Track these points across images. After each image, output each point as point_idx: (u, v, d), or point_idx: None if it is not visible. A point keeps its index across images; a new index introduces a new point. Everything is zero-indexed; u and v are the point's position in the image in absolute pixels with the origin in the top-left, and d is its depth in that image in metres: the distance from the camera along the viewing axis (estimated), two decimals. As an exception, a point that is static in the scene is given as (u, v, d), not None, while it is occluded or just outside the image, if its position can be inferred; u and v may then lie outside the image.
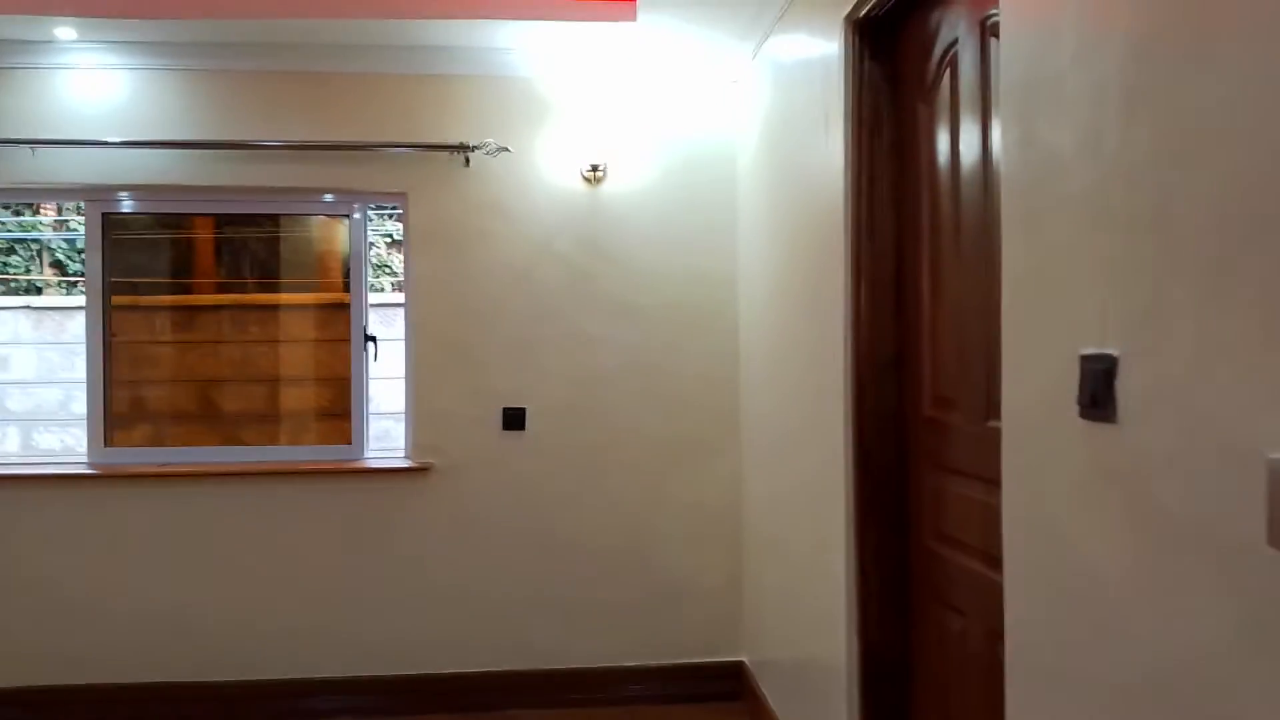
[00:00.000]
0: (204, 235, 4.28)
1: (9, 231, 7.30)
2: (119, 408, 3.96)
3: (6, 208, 4.96)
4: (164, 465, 3.84)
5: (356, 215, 4.00)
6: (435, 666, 3.91)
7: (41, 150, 3.68)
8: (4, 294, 7.57)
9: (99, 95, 3.74)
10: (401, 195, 3.93)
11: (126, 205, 3.91)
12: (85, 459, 3.90)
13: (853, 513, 2.70)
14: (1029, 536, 1.70)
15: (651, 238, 3.96)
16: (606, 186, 3.93)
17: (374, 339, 4.02)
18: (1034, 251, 1.67)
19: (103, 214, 3.89)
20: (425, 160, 3.86)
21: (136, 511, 3.80)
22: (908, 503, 2.64)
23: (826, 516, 2.86)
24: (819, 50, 2.90)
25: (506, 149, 3.84)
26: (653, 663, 3.99)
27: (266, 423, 4.12)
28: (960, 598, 2.32)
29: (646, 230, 3.96)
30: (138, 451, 3.92)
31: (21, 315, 5.73)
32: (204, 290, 4.32)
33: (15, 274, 6.88)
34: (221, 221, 4.22)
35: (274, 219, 4.21)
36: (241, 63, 3.76)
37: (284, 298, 4.23)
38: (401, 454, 4.00)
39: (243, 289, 4.33)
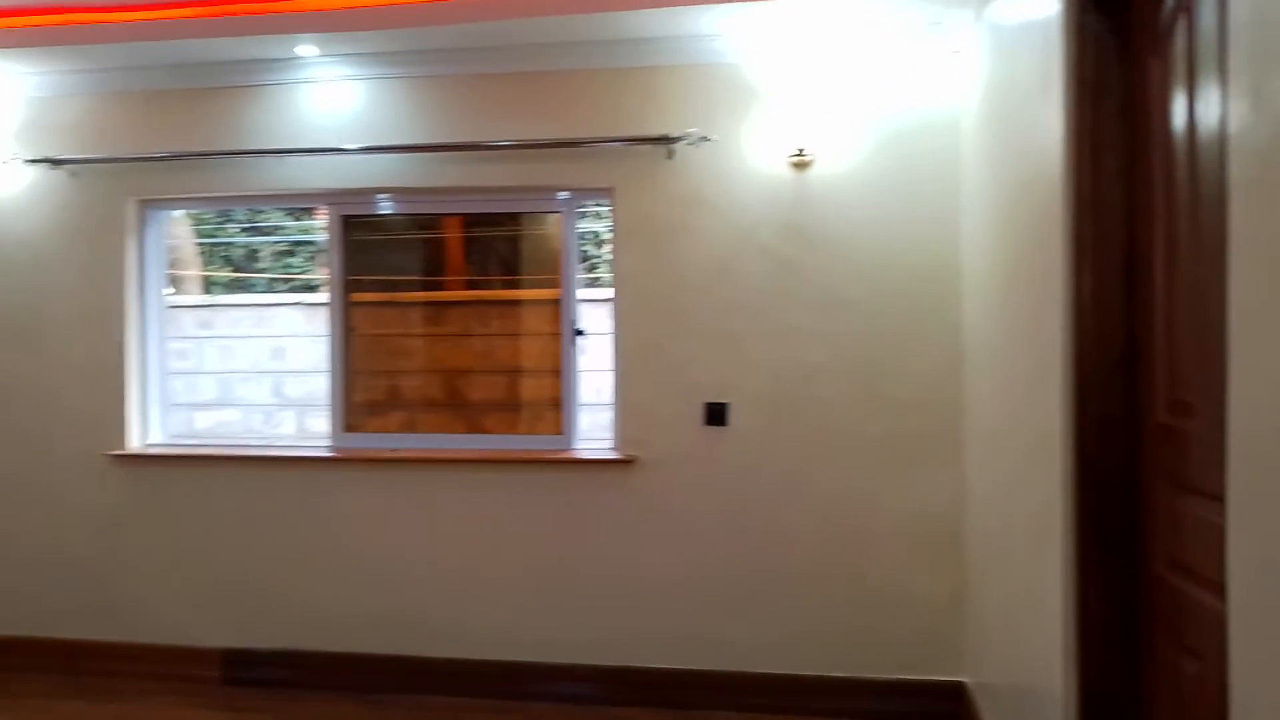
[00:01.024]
0: (453, 235, 4.52)
1: (290, 235, 8.13)
2: (375, 396, 4.26)
3: (260, 213, 5.50)
4: (393, 451, 4.08)
5: (566, 211, 4.06)
6: (632, 659, 3.90)
7: (288, 159, 4.03)
8: (286, 291, 8.45)
9: (337, 106, 4.03)
10: (609, 190, 3.93)
11: (363, 208, 4.18)
12: (329, 443, 4.23)
13: (1073, 533, 2.37)
14: (1262, 567, 1.39)
15: (862, 224, 3.72)
16: (814, 172, 3.73)
17: (582, 332, 4.06)
18: (1268, 226, 1.35)
19: (341, 216, 4.19)
20: (630, 154, 3.84)
21: (368, 493, 4.07)
22: (1139, 525, 2.28)
23: (1044, 534, 2.54)
24: (1039, 6, 2.57)
25: (709, 138, 3.75)
26: (863, 675, 3.76)
27: (504, 411, 4.28)
28: (1196, 638, 1.96)
29: (857, 216, 3.72)
30: (369, 437, 4.21)
31: (298, 311, 6.38)
32: (454, 286, 4.57)
33: (294, 273, 7.67)
34: (470, 221, 4.43)
35: (515, 218, 4.36)
36: (459, 68, 3.92)
37: (506, 294, 4.40)
38: (608, 446, 4.02)
39: (487, 285, 4.54)
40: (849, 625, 3.78)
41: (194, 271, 8.41)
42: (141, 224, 4.28)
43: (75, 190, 4.20)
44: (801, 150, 3.69)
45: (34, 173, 4.20)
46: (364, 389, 4.32)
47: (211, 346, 7.44)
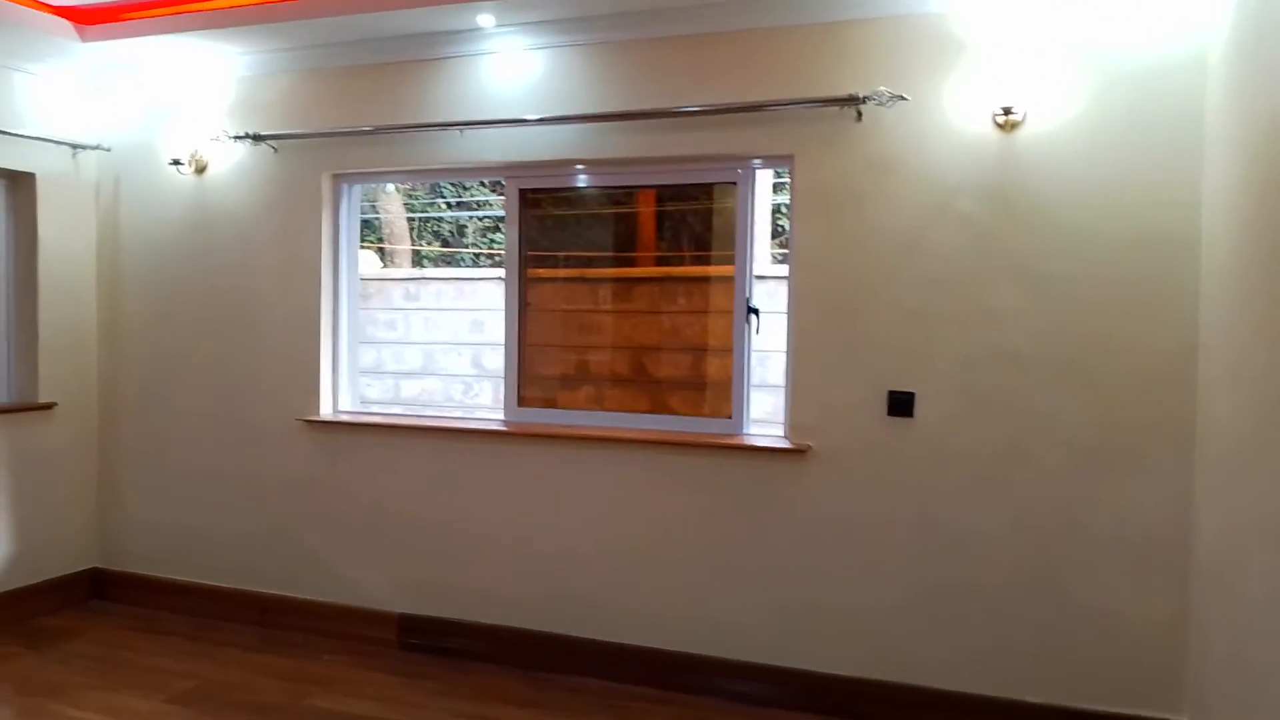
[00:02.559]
0: (645, 209, 4.39)
1: (495, 210, 8.30)
2: (558, 370, 4.20)
3: (466, 188, 5.58)
4: (564, 426, 4.01)
5: (742, 180, 3.81)
6: (800, 661, 3.65)
7: (468, 131, 4.01)
8: (489, 265, 8.66)
9: (515, 77, 3.98)
10: (788, 157, 3.66)
11: (540, 181, 4.12)
12: (503, 418, 4.23)
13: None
14: None
15: (1077, 191, 3.24)
16: (1023, 132, 3.29)
17: (756, 311, 3.82)
18: None
19: (519, 190, 4.14)
20: (813, 117, 3.55)
21: (538, 469, 4.03)
22: None
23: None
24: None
25: (903, 97, 3.39)
26: (1063, 704, 3.32)
27: (686, 390, 4.11)
28: None
29: (1071, 182, 3.25)
30: (541, 412, 4.16)
31: (496, 285, 6.50)
32: (645, 262, 4.45)
33: (497, 248, 7.84)
34: (662, 195, 4.28)
35: (708, 191, 4.16)
36: (635, 32, 3.75)
37: (690, 270, 4.21)
38: (780, 433, 3.76)
39: (679, 261, 4.38)
40: (1048, 646, 3.35)
41: (405, 245, 8.83)
42: (336, 197, 4.42)
43: (277, 165, 4.40)
44: (1009, 108, 3.26)
45: (241, 149, 4.43)
46: (545, 363, 4.27)
47: (417, 318, 7.76)
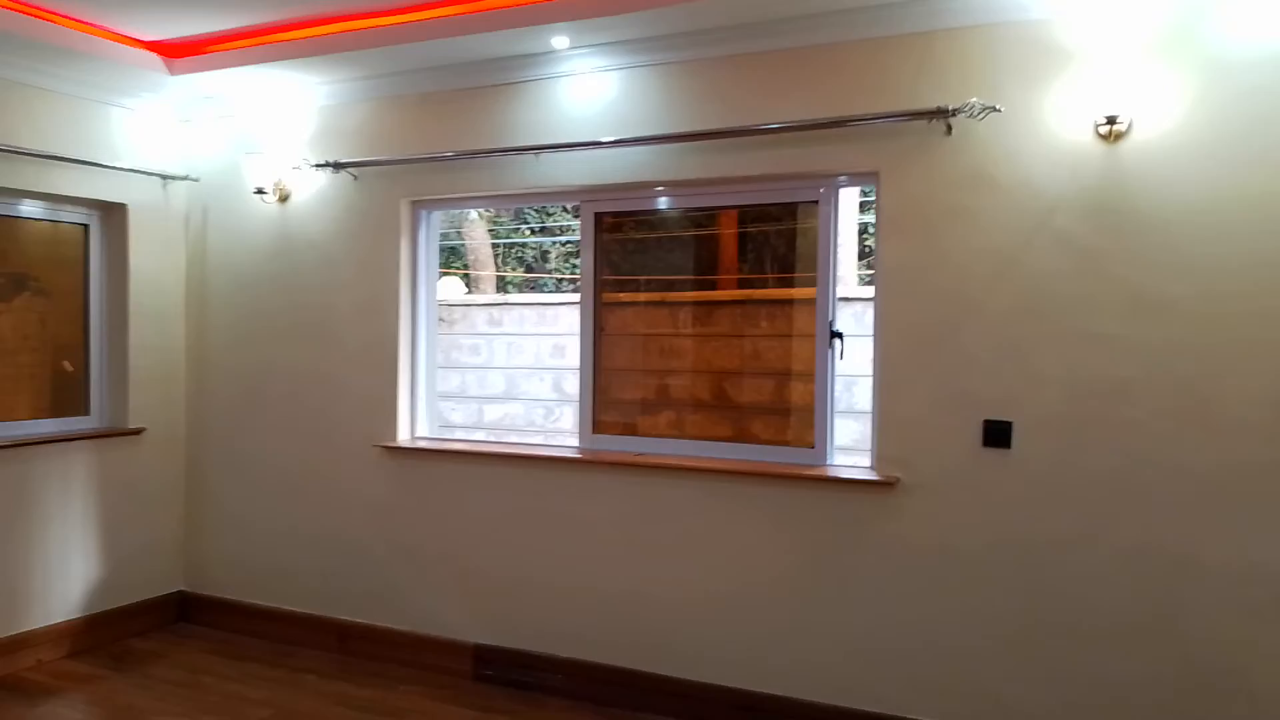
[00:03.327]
0: (727, 231, 4.27)
1: (577, 236, 8.28)
2: (635, 395, 4.07)
3: (550, 213, 5.54)
4: (636, 456, 3.89)
5: (824, 199, 3.65)
6: (888, 706, 3.43)
7: (544, 155, 3.95)
8: (572, 291, 8.63)
9: (590, 98, 3.90)
10: (873, 174, 3.49)
11: (615, 204, 4.03)
12: (577, 445, 4.13)
13: None
14: None
15: (1192, 206, 2.99)
16: (1128, 142, 3.05)
17: (840, 335, 3.64)
18: None
19: (594, 214, 4.06)
20: (899, 132, 3.37)
21: (611, 499, 3.91)
22: None
23: None
24: None
25: (996, 108, 3.19)
26: (1181, 766, 3.03)
27: (768, 415, 3.93)
28: None
29: (1185, 196, 2.99)
30: (615, 440, 4.04)
31: (576, 310, 6.46)
32: (727, 285, 4.32)
33: (578, 274, 7.79)
34: (745, 217, 4.15)
35: (791, 212, 4.01)
36: (711, 50, 3.64)
37: (769, 293, 4.05)
38: (867, 463, 3.57)
39: (762, 284, 4.22)
40: (1165, 704, 3.06)
41: (489, 271, 8.88)
42: (414, 224, 4.41)
43: (356, 192, 4.42)
44: (1113, 117, 3.03)
45: (322, 177, 4.47)
46: (623, 389, 4.15)
47: (500, 343, 7.77)
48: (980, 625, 3.30)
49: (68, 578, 4.44)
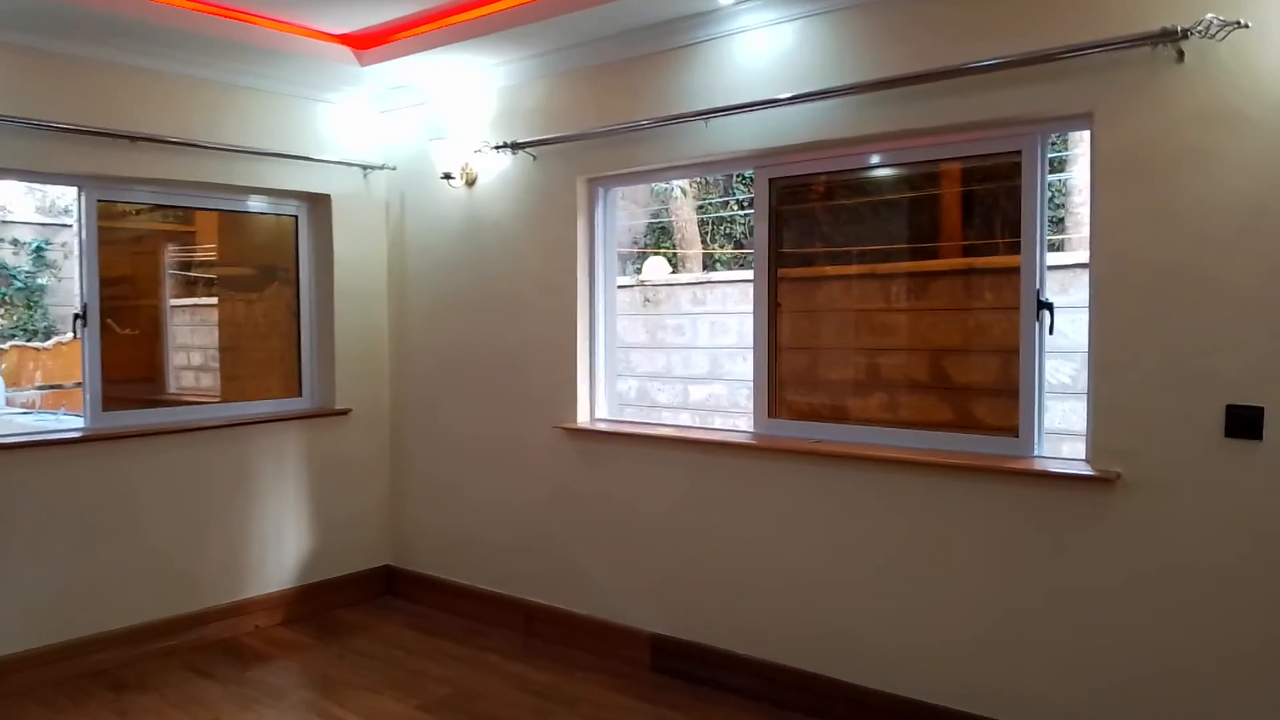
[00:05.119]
0: (950, 191, 3.84)
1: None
2: (856, 375, 3.74)
3: (726, 189, 5.27)
4: (814, 443, 3.58)
5: (1028, 151, 3.16)
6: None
7: (714, 121, 3.71)
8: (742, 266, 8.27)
9: (761, 55, 3.61)
10: (1086, 116, 2.97)
11: (791, 169, 3.72)
12: (752, 430, 3.88)
13: None
14: None
15: None
16: None
17: (1050, 306, 3.15)
18: None
19: (769, 180, 3.77)
20: (1117, 64, 2.84)
21: (787, 488, 3.63)
22: None
23: None
24: None
25: (1240, 24, 2.60)
26: None
27: (967, 397, 3.51)
28: None
29: None
30: (793, 425, 3.75)
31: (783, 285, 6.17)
32: (949, 254, 3.90)
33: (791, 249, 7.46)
34: (969, 176, 3.70)
35: (1018, 169, 3.55)
36: (893, -13, 3.25)
37: (950, 263, 3.61)
38: (1081, 455, 3.07)
39: (993, 250, 3.78)
40: None
41: (696, 249, 8.71)
42: (591, 202, 4.31)
43: (536, 172, 4.37)
44: (1404, 22, 2.38)
45: (505, 159, 4.46)
46: (799, 370, 3.85)
47: (704, 322, 7.59)
48: (1224, 648, 2.74)
49: (283, 550, 4.72)
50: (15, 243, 10.21)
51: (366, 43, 4.36)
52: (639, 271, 8.12)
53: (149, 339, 7.05)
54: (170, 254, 7.57)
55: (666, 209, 8.38)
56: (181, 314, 7.42)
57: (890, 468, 3.37)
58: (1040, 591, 3.06)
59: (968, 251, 3.63)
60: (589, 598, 4.27)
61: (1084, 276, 3.14)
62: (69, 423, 4.52)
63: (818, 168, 3.68)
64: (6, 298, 9.25)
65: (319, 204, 4.89)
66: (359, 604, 4.97)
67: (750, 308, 6.55)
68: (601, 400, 4.36)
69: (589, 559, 4.28)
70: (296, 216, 4.89)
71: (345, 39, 4.35)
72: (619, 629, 4.15)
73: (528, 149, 4.32)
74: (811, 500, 3.57)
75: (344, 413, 4.94)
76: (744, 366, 6.96)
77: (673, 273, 8.14)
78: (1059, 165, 5.98)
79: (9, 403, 6.24)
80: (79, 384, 4.39)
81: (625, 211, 10.06)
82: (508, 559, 4.59)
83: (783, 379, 3.85)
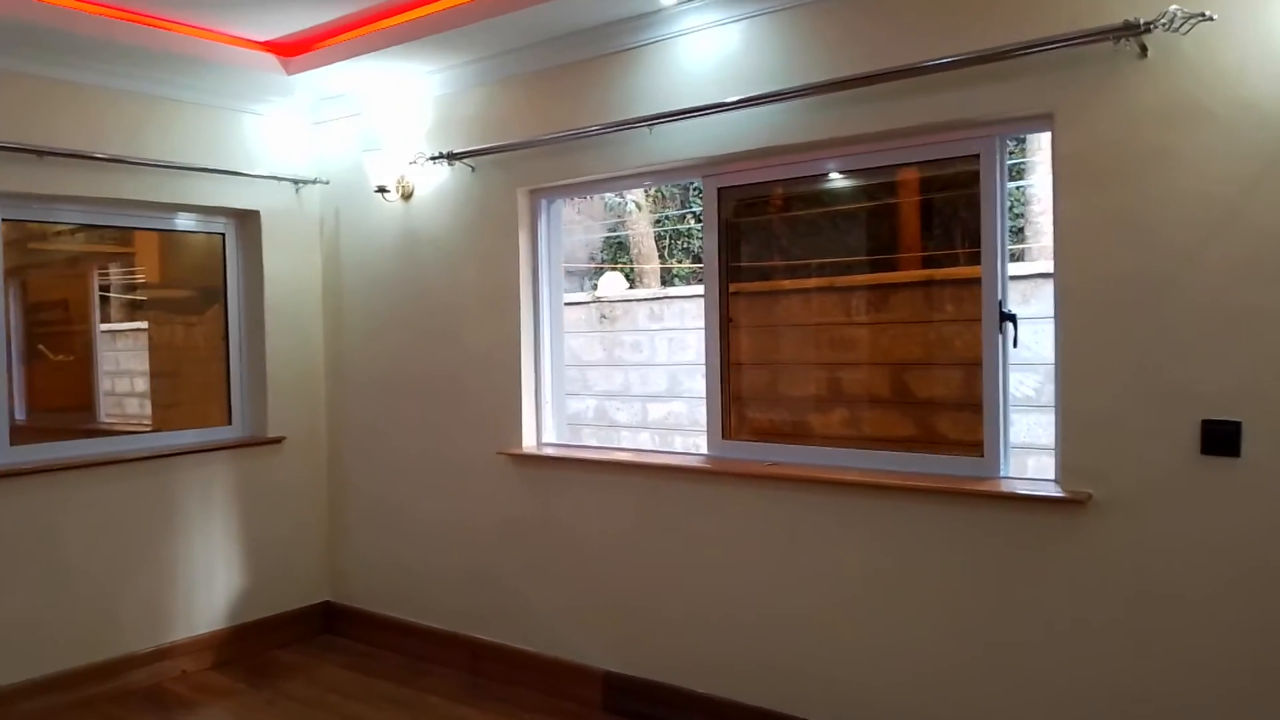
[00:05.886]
0: (906, 200, 3.66)
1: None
2: (815, 391, 3.52)
3: (683, 203, 5.10)
4: (769, 466, 3.38)
5: (986, 154, 3.00)
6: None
7: (659, 128, 3.52)
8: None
9: (707, 58, 3.43)
10: (1046, 117, 2.81)
11: (739, 177, 3.53)
12: (705, 453, 3.67)
13: None
14: None
15: None
16: (1404, 42, 2.25)
17: (1012, 318, 2.98)
18: None
19: (718, 189, 3.58)
20: (1078, 60, 2.69)
21: (743, 515, 3.43)
22: None
23: None
24: None
25: (1205, 15, 2.45)
26: None
27: (963, 411, 3.31)
28: None
29: None
30: (747, 447, 3.55)
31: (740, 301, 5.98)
32: (908, 265, 3.71)
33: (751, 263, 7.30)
34: (929, 185, 3.51)
35: (975, 176, 3.38)
36: (842, -17, 3.08)
37: (906, 275, 3.44)
38: (1049, 476, 2.90)
39: (951, 261, 3.60)
40: None
41: (654, 265, 8.53)
42: (533, 215, 4.09)
43: (475, 185, 4.15)
44: (1378, 10, 2.24)
45: (444, 171, 4.23)
46: (754, 387, 3.65)
47: (661, 339, 7.39)
48: (1201, 676, 2.57)
49: (213, 589, 4.43)
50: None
51: (293, 50, 4.12)
52: (595, 288, 7.92)
53: (81, 365, 6.72)
54: (105, 276, 7.24)
55: (623, 223, 8.19)
56: (122, 339, 7.10)
57: (850, 491, 3.18)
58: (1010, 621, 2.87)
59: (927, 263, 3.47)
60: (538, 634, 4.03)
61: (1047, 286, 3.00)
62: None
63: (768, 175, 3.49)
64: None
65: (248, 221, 4.63)
66: (295, 644, 4.68)
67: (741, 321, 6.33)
68: (549, 424, 4.14)
69: (537, 592, 4.04)
70: (224, 235, 4.63)
71: (271, 46, 4.11)
72: (570, 666, 3.91)
73: (465, 160, 4.10)
74: (769, 526, 3.36)
75: (277, 440, 4.67)
76: (703, 383, 6.77)
77: (630, 288, 7.94)
78: (1018, 173, 5.87)
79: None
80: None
81: (581, 226, 9.86)
82: (452, 593, 4.33)
83: (738, 397, 3.66)
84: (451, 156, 4.10)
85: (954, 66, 2.85)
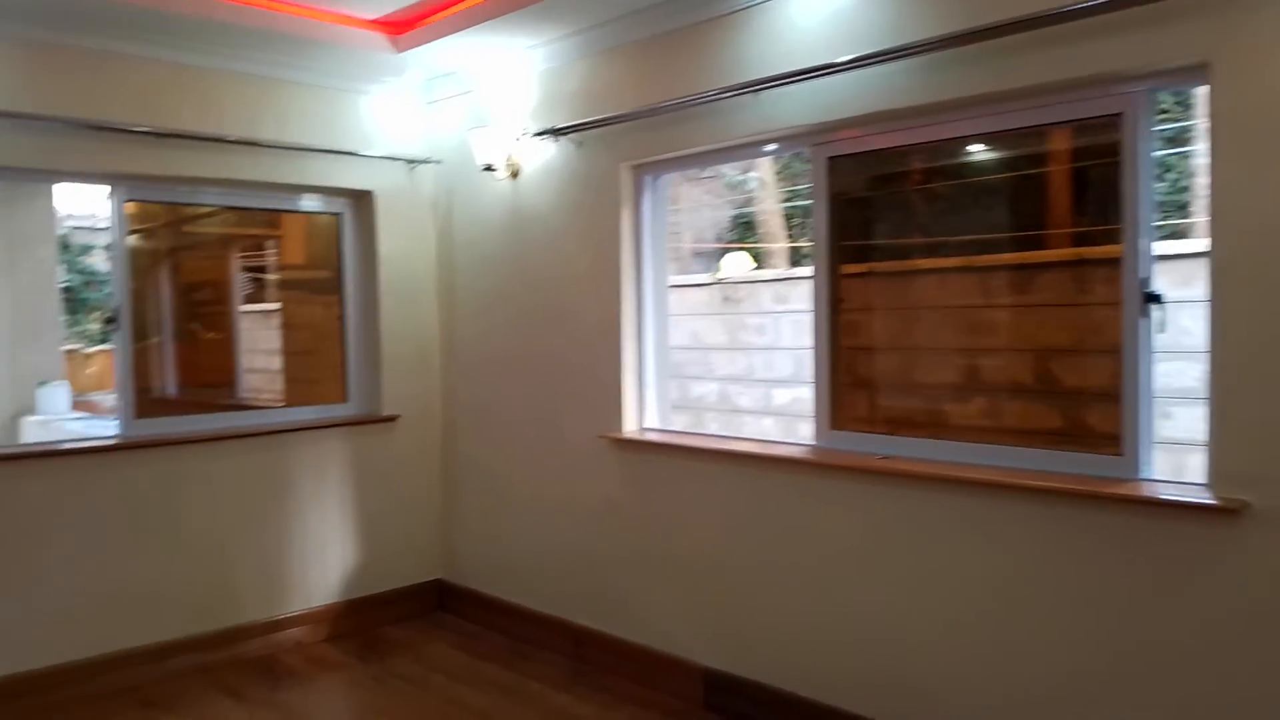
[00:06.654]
0: (1057, 169, 3.33)
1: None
2: (936, 378, 3.27)
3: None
4: (880, 459, 3.12)
5: (1129, 113, 2.64)
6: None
7: (764, 94, 3.29)
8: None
9: (817, 16, 3.18)
10: (1200, 68, 2.44)
11: (852, 144, 3.27)
12: (811, 443, 3.44)
13: None
14: None
15: None
16: None
17: (1158, 299, 2.62)
18: None
19: (827, 158, 3.32)
20: (1238, 3, 2.31)
21: (849, 511, 3.19)
22: None
23: None
24: None
25: (1405, -64, 2.04)
26: None
27: (1113, 403, 3.00)
28: None
29: None
30: (857, 438, 3.29)
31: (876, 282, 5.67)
32: (1057, 242, 3.39)
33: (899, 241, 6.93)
34: (1082, 153, 3.15)
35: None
36: (965, -73, 2.77)
37: (1040, 255, 3.09)
38: (1201, 479, 2.53)
39: (1101, 239, 3.25)
40: None
41: (781, 244, 8.23)
42: (637, 191, 3.94)
43: (579, 161, 4.03)
44: None
45: (550, 148, 4.13)
46: (868, 372, 3.40)
47: (786, 321, 7.12)
48: (1385, 731, 2.19)
49: (326, 563, 4.52)
50: (109, 249, 10.53)
51: (402, 27, 4.10)
52: (719, 269, 7.71)
53: (223, 343, 7.04)
54: (247, 258, 7.56)
55: (750, 201, 7.93)
56: (261, 319, 7.41)
57: (966, 489, 2.89)
58: (1144, 643, 2.54)
59: (1079, 241, 3.11)
60: (638, 624, 3.91)
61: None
62: (103, 431, 4.42)
63: (882, 143, 3.21)
64: (96, 304, 9.50)
65: (363, 201, 4.67)
66: (409, 620, 4.72)
67: (854, 304, 6.04)
68: (651, 408, 3.99)
69: (637, 581, 3.91)
70: (340, 215, 4.68)
71: (380, 24, 4.10)
72: (670, 660, 3.78)
73: (569, 135, 3.99)
74: (878, 525, 3.12)
75: (391, 419, 4.71)
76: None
77: (755, 269, 7.68)
78: (1181, 140, 5.29)
79: (79, 407, 6.28)
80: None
81: (709, 206, 9.63)
82: (556, 577, 4.26)
83: (859, 384, 3.41)
84: (556, 132, 3.99)
85: (1093, 12, 2.51)
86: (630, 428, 3.95)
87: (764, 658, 3.47)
